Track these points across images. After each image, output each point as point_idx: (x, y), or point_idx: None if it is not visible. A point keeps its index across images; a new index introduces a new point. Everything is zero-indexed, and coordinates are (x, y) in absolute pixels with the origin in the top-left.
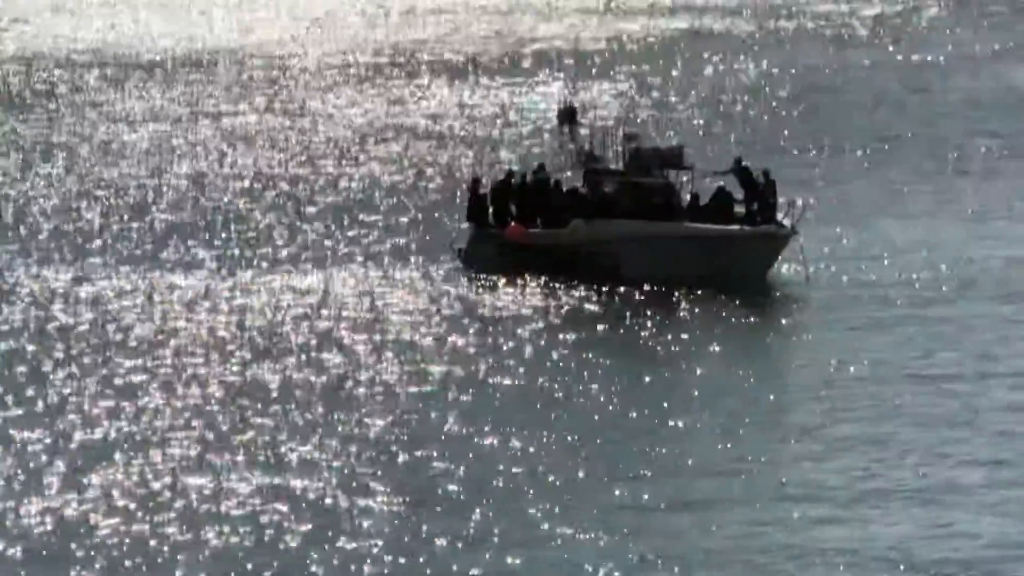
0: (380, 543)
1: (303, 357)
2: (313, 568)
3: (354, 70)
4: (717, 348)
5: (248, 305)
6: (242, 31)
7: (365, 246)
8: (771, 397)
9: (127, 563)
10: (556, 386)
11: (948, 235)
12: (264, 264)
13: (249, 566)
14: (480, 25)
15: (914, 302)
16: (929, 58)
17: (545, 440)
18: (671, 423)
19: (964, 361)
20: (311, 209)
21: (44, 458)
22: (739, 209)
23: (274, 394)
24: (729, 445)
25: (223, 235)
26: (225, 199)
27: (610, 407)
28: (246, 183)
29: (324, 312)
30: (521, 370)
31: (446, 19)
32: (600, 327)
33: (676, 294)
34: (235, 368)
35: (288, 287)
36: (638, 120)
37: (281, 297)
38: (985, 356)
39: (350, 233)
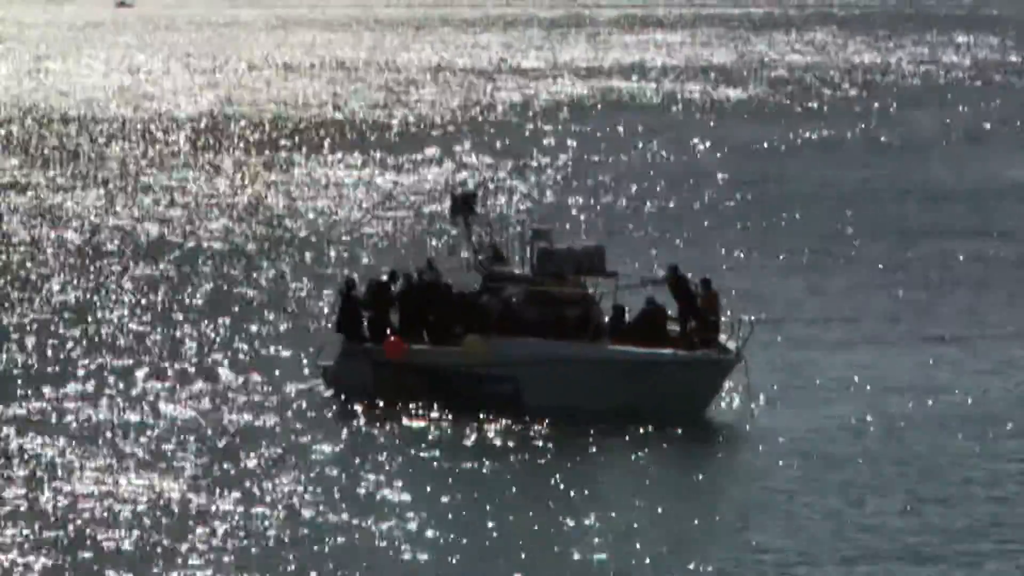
0: None
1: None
2: None
3: (203, 140)
4: (638, 498)
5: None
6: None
7: (207, 360)
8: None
9: None
10: (439, 534)
11: (911, 360)
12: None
13: None
14: (357, 88)
15: (881, 444)
16: (885, 139)
17: None
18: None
19: (924, 510)
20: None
21: None
22: (673, 327)
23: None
24: None
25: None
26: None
27: (503, 559)
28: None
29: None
30: (391, 518)
31: (319, 83)
32: (495, 467)
33: (590, 430)
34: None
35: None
36: (549, 212)
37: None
38: (944, 501)
39: (188, 345)
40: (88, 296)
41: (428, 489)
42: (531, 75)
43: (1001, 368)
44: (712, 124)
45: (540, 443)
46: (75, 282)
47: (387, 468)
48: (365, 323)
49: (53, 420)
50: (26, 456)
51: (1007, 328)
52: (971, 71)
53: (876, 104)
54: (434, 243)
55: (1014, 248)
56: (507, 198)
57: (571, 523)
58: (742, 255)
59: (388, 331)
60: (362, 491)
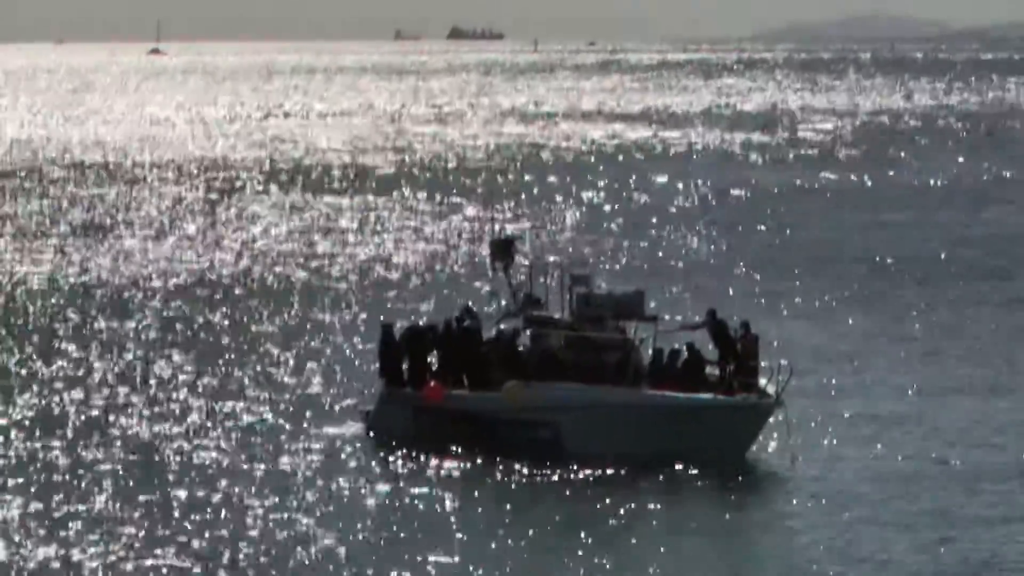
0: None
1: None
2: None
3: (240, 183)
4: (681, 544)
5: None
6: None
7: (249, 404)
8: None
9: None
10: None
11: (953, 406)
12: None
13: None
14: (393, 134)
15: (920, 491)
16: (918, 182)
17: None
18: None
19: (967, 557)
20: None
21: None
22: (712, 372)
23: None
24: None
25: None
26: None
27: None
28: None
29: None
30: (432, 565)
31: (348, 124)
32: (537, 513)
33: (631, 476)
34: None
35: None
36: (588, 258)
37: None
38: (985, 550)
39: (231, 389)
40: (130, 338)
41: (469, 535)
42: (571, 119)
43: None
44: (747, 169)
45: (580, 489)
46: (117, 326)
47: (428, 514)
48: (405, 368)
49: (99, 466)
50: (72, 499)
51: None
52: (978, 116)
53: (898, 150)
54: (474, 288)
55: None
56: (546, 243)
57: (612, 569)
58: (781, 299)
59: (427, 376)
60: (403, 536)
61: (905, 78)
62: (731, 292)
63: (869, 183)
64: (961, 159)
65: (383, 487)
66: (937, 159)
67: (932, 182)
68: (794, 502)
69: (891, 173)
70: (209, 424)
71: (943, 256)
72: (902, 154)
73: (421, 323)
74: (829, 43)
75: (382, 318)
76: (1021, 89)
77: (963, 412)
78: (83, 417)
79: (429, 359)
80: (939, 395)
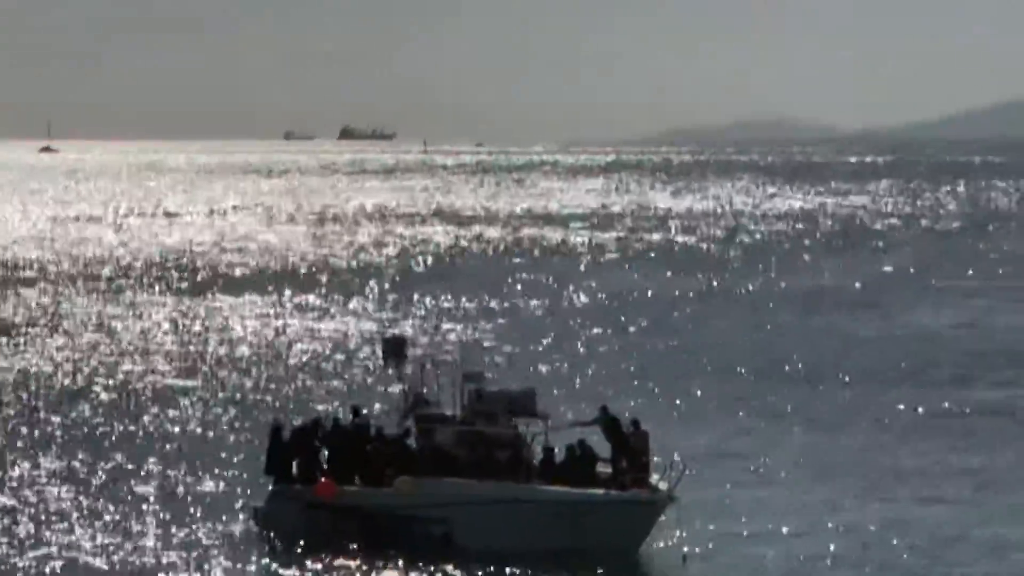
0: None
1: None
2: None
3: (125, 283)
4: None
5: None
6: None
7: (138, 501)
8: None
9: None
10: None
11: (839, 502)
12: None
13: None
14: (288, 231)
15: None
16: (822, 283)
17: None
18: None
19: None
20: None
21: None
22: (604, 468)
23: None
24: None
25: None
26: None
27: None
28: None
29: None
30: None
31: (239, 223)
32: None
33: (523, 571)
34: None
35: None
36: (481, 354)
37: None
38: None
39: (119, 486)
40: (13, 437)
41: None
42: (464, 219)
43: (932, 502)
44: (640, 270)
45: None
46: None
47: None
48: (295, 465)
49: None
50: None
51: (937, 467)
52: (888, 217)
53: (805, 254)
54: (365, 385)
55: (929, 392)
56: (438, 340)
57: None
58: (672, 398)
59: (319, 473)
60: None
61: (794, 181)
62: (622, 390)
63: (752, 286)
64: (841, 262)
65: None
66: (819, 262)
67: (816, 284)
68: None
69: (774, 276)
70: (99, 520)
71: (828, 358)
72: (787, 257)
73: (312, 420)
74: (721, 146)
75: (272, 415)
76: (908, 191)
77: (850, 510)
78: None
79: (320, 456)
80: (827, 493)
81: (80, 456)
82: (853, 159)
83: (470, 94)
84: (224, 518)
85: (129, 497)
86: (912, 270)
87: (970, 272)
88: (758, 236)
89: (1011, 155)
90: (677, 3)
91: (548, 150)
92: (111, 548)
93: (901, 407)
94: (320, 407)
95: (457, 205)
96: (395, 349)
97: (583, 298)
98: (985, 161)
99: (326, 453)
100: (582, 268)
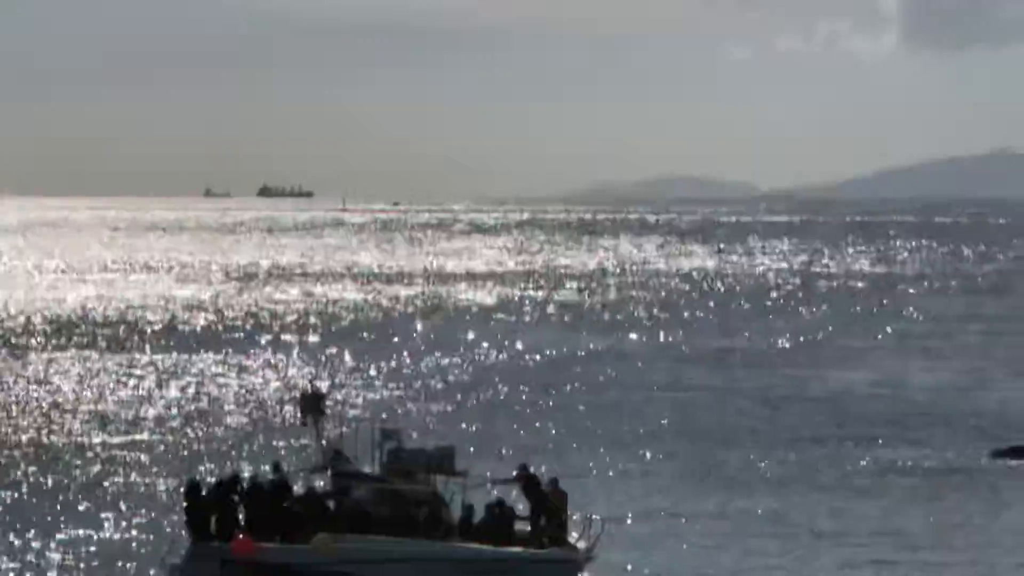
0: None
1: None
2: None
3: (36, 340)
4: None
5: None
6: None
7: (55, 560)
8: None
9: None
10: None
11: (767, 566)
12: None
13: None
14: (205, 289)
15: None
16: (737, 342)
17: None
18: None
19: None
20: None
21: None
22: (522, 526)
23: None
24: None
25: None
26: None
27: None
28: None
29: None
30: None
31: (150, 280)
32: None
33: None
34: None
35: None
36: (399, 412)
37: None
38: None
39: (37, 545)
40: None
41: None
42: (380, 277)
43: (849, 564)
44: (555, 329)
45: None
46: None
47: None
48: (213, 521)
49: None
50: None
51: (853, 525)
52: (800, 276)
53: (718, 313)
54: (284, 442)
55: (843, 451)
56: (357, 398)
57: None
58: (590, 456)
59: (236, 530)
60: None
61: (709, 239)
62: (541, 449)
63: (667, 345)
64: (754, 321)
65: None
66: (732, 320)
67: (730, 343)
68: None
69: (688, 335)
70: None
71: (744, 418)
72: (709, 316)
73: (229, 476)
74: (641, 203)
75: (189, 471)
76: (823, 251)
77: (767, 569)
78: None
79: (238, 512)
80: (743, 552)
81: None
82: (769, 218)
83: (390, 151)
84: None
85: (45, 554)
86: (826, 328)
87: (883, 331)
88: (672, 295)
89: (924, 215)
90: (604, 61)
91: (466, 208)
92: None
93: (816, 466)
94: (238, 463)
95: (372, 262)
96: (313, 405)
97: (501, 356)
98: (899, 220)
99: (244, 510)
100: (498, 326)
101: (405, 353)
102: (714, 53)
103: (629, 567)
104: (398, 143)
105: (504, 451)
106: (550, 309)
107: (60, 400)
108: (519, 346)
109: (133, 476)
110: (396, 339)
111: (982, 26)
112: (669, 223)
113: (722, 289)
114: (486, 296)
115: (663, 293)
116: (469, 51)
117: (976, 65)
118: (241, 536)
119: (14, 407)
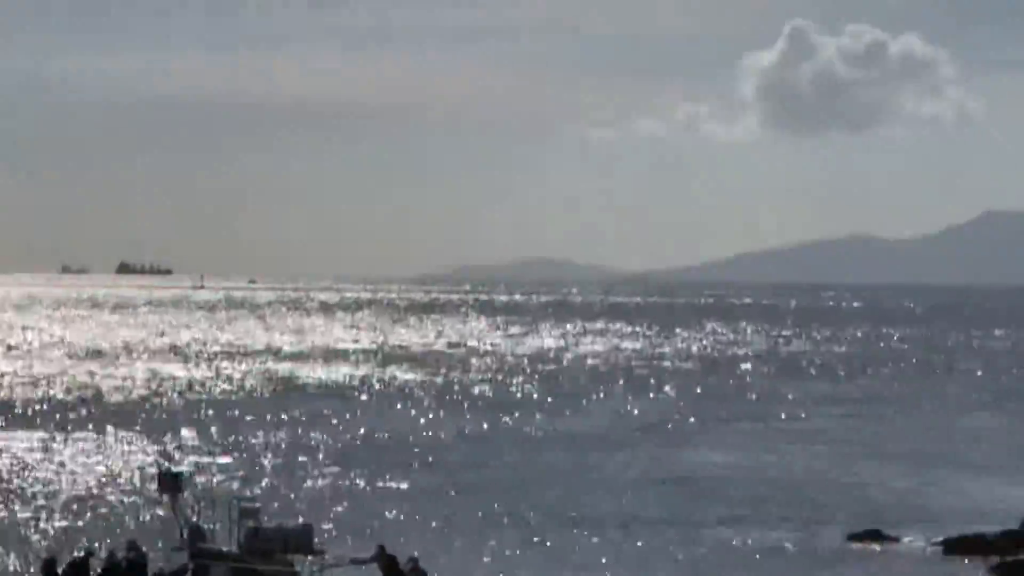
0: None
1: None
2: None
3: None
4: None
5: None
6: None
7: None
8: None
9: None
10: None
11: None
12: None
13: None
14: (62, 366)
15: None
16: (592, 421)
17: None
18: None
19: None
20: None
21: None
22: None
23: None
24: None
25: None
26: None
27: None
28: None
29: None
30: None
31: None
32: None
33: None
34: None
35: None
36: (257, 491)
37: None
38: None
39: None
40: None
41: None
42: (243, 356)
43: None
44: (410, 407)
45: None
46: None
47: None
48: None
49: None
50: None
51: None
52: (647, 358)
53: (561, 396)
54: (140, 520)
55: (697, 533)
56: (215, 476)
57: None
58: (450, 536)
59: None
60: None
61: (562, 320)
62: (400, 528)
63: (524, 425)
64: (609, 402)
65: None
66: (587, 401)
67: (586, 423)
68: None
69: (542, 415)
70: None
71: (599, 500)
72: (560, 397)
73: (84, 554)
74: (502, 284)
75: (46, 549)
76: (683, 332)
77: None
78: None
79: None
80: None
81: None
82: (617, 299)
83: (251, 229)
84: None
85: None
86: (678, 409)
87: (733, 412)
88: (521, 375)
89: (777, 298)
90: (471, 142)
91: (330, 287)
92: None
93: (671, 547)
94: (94, 542)
95: (227, 339)
96: (171, 484)
97: (360, 434)
98: (751, 304)
99: None
100: (352, 403)
101: (260, 431)
102: (576, 134)
103: None
104: (259, 220)
105: (363, 530)
106: (402, 387)
107: None
108: (378, 425)
109: None
110: (250, 417)
111: (838, 111)
112: (523, 304)
113: (571, 368)
114: (340, 374)
115: (513, 373)
116: (335, 130)
117: (833, 150)
118: None
119: None
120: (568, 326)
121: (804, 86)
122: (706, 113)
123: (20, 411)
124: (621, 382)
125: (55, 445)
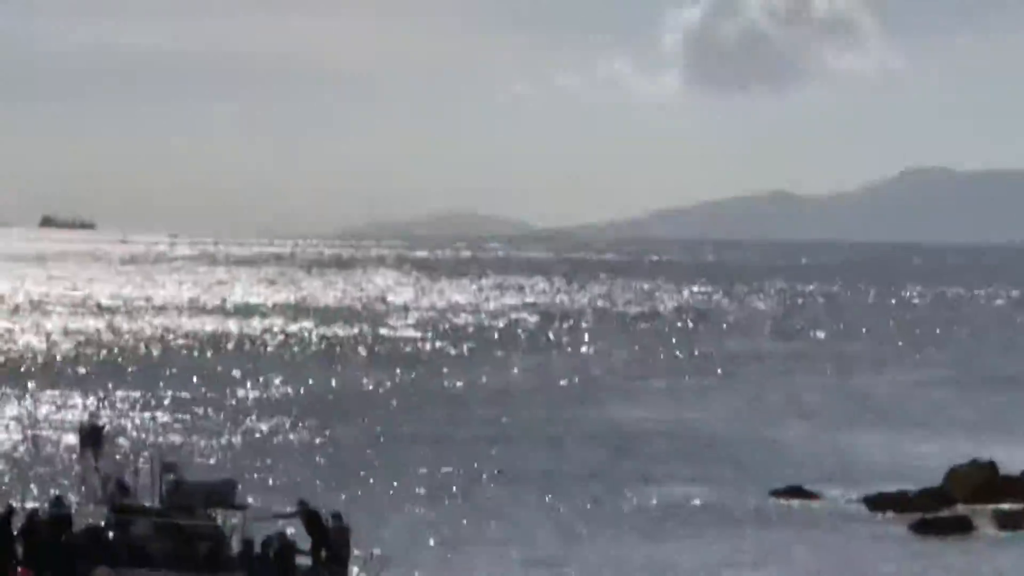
0: None
1: None
2: None
3: None
4: None
5: None
6: None
7: None
8: None
9: None
10: None
11: None
12: None
13: None
14: None
15: None
16: (515, 379)
17: None
18: None
19: None
20: None
21: None
22: (303, 560)
23: None
24: None
25: None
26: None
27: None
28: None
29: None
30: None
31: None
32: None
33: None
34: None
35: None
36: (180, 445)
37: None
38: None
39: None
40: None
41: None
42: (169, 310)
43: None
44: (331, 364)
45: None
46: None
47: None
48: None
49: None
50: None
51: (628, 566)
52: (562, 317)
53: (481, 352)
54: (62, 475)
55: (623, 487)
56: (137, 431)
57: None
58: (372, 489)
59: (14, 563)
60: None
61: (481, 276)
62: (323, 482)
63: (448, 381)
64: (532, 357)
65: None
66: (510, 357)
67: (509, 380)
68: None
69: (467, 371)
70: None
71: (524, 454)
72: (479, 352)
73: (6, 510)
74: (419, 239)
75: None
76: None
77: None
78: None
79: (15, 546)
80: None
81: None
82: (535, 254)
83: (175, 183)
84: None
85: None
86: (601, 365)
87: (657, 369)
88: (438, 331)
89: (694, 254)
90: (386, 96)
91: (250, 241)
92: None
93: (596, 503)
94: (16, 497)
95: (146, 295)
96: (93, 438)
97: (281, 390)
98: (668, 260)
99: (22, 543)
100: (272, 362)
101: (183, 386)
102: (495, 89)
103: None
104: (181, 176)
105: (285, 485)
106: (321, 342)
107: None
108: (298, 381)
109: None
110: (173, 371)
111: (760, 67)
112: (440, 259)
113: (487, 325)
114: (258, 329)
115: (431, 328)
116: (253, 85)
117: (755, 106)
118: (20, 570)
119: None
120: (483, 281)
121: (727, 42)
122: (628, 69)
123: None
124: (540, 338)
125: None
